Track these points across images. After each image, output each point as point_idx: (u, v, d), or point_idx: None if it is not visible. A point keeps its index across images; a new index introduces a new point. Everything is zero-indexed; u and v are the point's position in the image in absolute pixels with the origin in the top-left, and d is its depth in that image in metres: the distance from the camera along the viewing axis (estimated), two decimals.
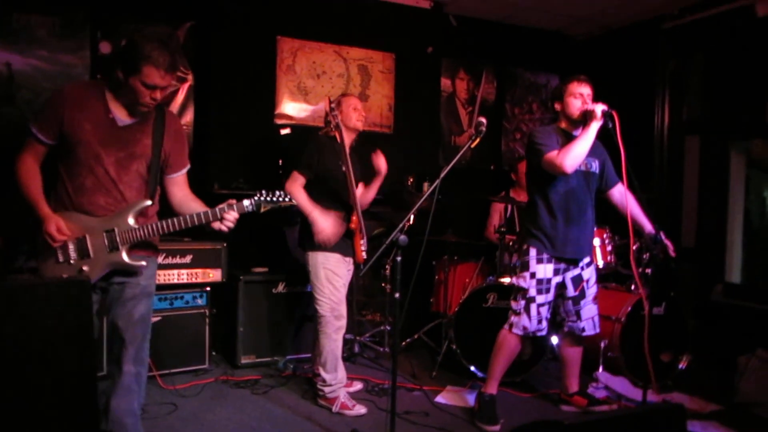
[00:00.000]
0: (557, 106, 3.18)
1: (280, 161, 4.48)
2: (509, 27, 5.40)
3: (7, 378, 1.53)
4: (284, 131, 4.62)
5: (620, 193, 3.27)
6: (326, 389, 3.28)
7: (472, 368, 3.77)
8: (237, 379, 3.68)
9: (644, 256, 3.93)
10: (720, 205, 4.56)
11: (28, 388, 1.57)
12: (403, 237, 2.56)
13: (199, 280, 3.77)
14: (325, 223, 3.16)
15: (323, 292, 3.25)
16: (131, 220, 2.37)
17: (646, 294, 3.75)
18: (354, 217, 3.24)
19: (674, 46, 4.85)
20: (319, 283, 3.25)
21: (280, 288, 3.98)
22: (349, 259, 3.34)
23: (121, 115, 2.38)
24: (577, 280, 3.20)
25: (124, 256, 2.36)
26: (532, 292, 3.13)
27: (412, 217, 3.77)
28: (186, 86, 4.37)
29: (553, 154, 2.96)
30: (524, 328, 3.15)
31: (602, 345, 3.74)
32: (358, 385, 3.63)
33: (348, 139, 3.31)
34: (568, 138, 3.08)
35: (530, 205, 3.22)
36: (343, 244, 3.28)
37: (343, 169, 3.17)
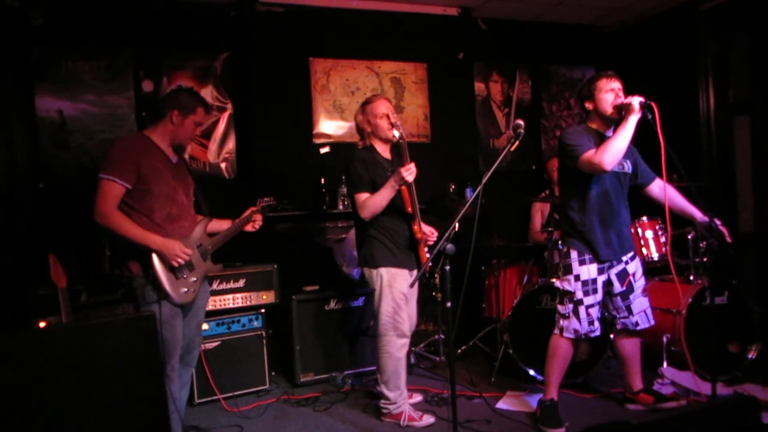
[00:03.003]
0: (588, 105, 3.09)
1: (322, 180, 4.55)
2: (540, 25, 5.36)
3: (85, 410, 1.60)
4: (323, 150, 4.70)
5: (659, 188, 3.18)
6: (390, 407, 3.26)
7: (531, 372, 3.72)
8: (298, 397, 3.73)
9: (701, 245, 3.82)
10: None
11: (104, 419, 1.64)
12: (450, 246, 2.55)
13: (254, 303, 3.86)
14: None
15: (388, 312, 3.19)
16: (206, 235, 2.94)
17: (706, 283, 3.65)
18: (416, 227, 3.18)
19: (715, 26, 4.71)
20: (384, 303, 3.19)
21: (332, 304, 4.03)
22: (414, 272, 3.27)
23: (170, 155, 2.86)
24: (623, 275, 3.13)
25: (210, 263, 2.95)
26: (579, 294, 3.08)
27: (457, 224, 3.77)
28: (226, 115, 4.51)
29: (590, 153, 2.89)
30: (575, 331, 3.10)
31: (665, 339, 3.63)
32: (418, 397, 3.62)
33: (385, 146, 3.30)
34: (600, 138, 3.01)
35: (564, 207, 3.17)
36: (408, 259, 3.23)
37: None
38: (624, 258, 3.13)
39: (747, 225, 4.56)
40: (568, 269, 3.12)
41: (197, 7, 4.40)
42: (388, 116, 3.24)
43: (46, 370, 1.55)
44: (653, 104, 2.83)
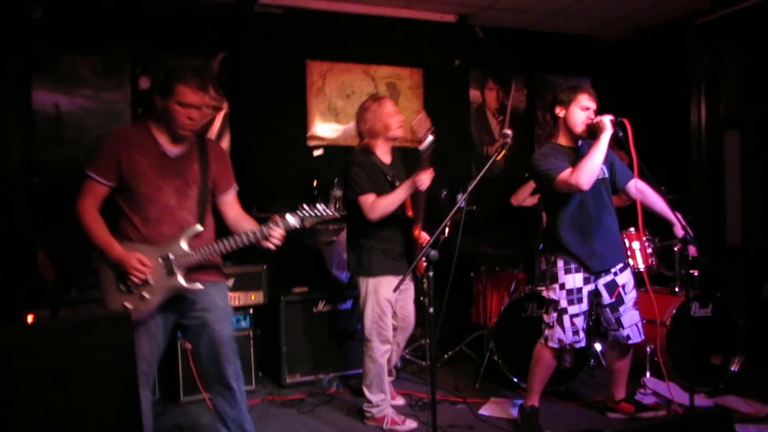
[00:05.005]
0: (559, 111, 3.06)
1: (315, 182, 4.58)
2: (537, 33, 5.39)
3: (55, 411, 1.60)
4: (317, 152, 4.73)
5: (636, 188, 3.17)
6: (373, 410, 3.29)
7: (516, 379, 3.74)
8: (283, 398, 3.74)
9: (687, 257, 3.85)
10: (765, 201, 4.42)
11: (75, 417, 1.64)
12: (433, 252, 2.58)
13: (242, 303, 3.87)
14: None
15: (372, 318, 3.22)
16: (184, 245, 2.47)
17: (690, 295, 3.68)
18: (415, 232, 3.20)
19: (707, 41, 4.76)
20: (369, 309, 3.22)
21: (321, 306, 4.05)
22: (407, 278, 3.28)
23: (169, 147, 2.54)
24: (612, 287, 3.13)
25: (181, 281, 2.46)
26: (563, 303, 3.09)
27: (446, 230, 3.79)
28: (221, 115, 4.53)
29: (565, 174, 2.90)
30: (559, 341, 3.11)
31: (648, 350, 3.67)
32: (401, 400, 3.65)
33: (388, 147, 3.30)
34: (572, 152, 3.02)
35: (549, 223, 3.21)
36: (400, 266, 3.20)
37: (397, 183, 3.15)
38: (613, 269, 3.14)
39: (734, 238, 4.60)
40: (554, 278, 3.14)
41: (195, 6, 4.43)
42: (396, 114, 3.27)
43: (15, 367, 1.55)
44: (625, 121, 2.87)
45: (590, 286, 3.11)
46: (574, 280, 3.08)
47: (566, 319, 3.09)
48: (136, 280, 2.41)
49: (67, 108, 4.12)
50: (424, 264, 2.96)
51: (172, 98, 2.43)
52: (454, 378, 4.02)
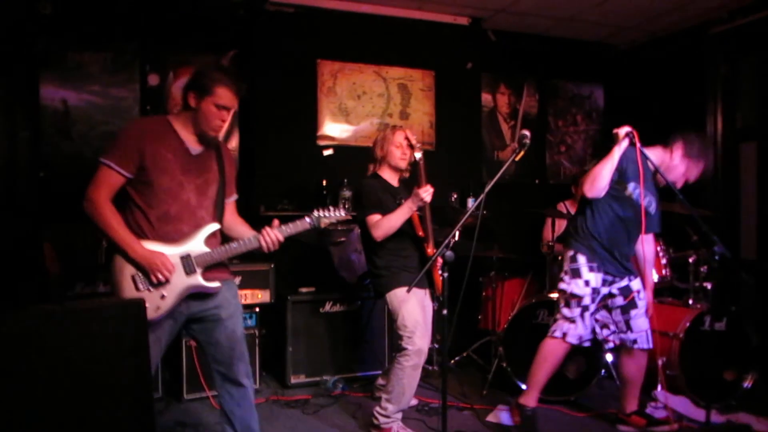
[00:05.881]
0: None
1: (324, 181, 4.53)
2: (550, 39, 5.34)
3: (68, 397, 1.57)
4: (327, 152, 4.68)
5: (641, 242, 3.21)
6: (382, 419, 3.17)
7: (524, 386, 3.67)
8: (287, 399, 3.70)
9: (701, 269, 3.80)
10: None
11: (87, 406, 1.61)
12: (449, 253, 2.54)
13: (248, 302, 3.81)
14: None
15: (406, 328, 3.12)
16: (203, 244, 2.44)
17: (705, 308, 3.62)
18: (429, 250, 3.18)
19: (724, 50, 4.70)
20: (401, 320, 3.13)
21: (328, 307, 4.00)
22: (424, 291, 3.29)
23: (192, 144, 2.47)
24: (626, 291, 3.15)
25: (200, 279, 2.42)
26: (587, 300, 3.07)
27: (457, 233, 3.74)
28: (231, 113, 4.47)
29: (584, 178, 3.07)
30: (580, 337, 3.09)
31: (660, 362, 3.59)
32: (413, 401, 3.56)
33: (395, 174, 3.31)
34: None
35: (581, 218, 3.17)
36: (414, 277, 3.06)
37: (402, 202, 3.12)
38: (626, 276, 3.15)
39: (749, 252, 4.53)
40: (577, 273, 3.10)
41: (206, 3, 4.39)
42: (403, 146, 3.24)
43: (29, 351, 1.51)
44: (635, 133, 2.93)
45: (606, 289, 3.11)
46: (596, 279, 3.08)
47: (587, 316, 3.09)
48: (161, 279, 2.34)
49: (74, 104, 4.08)
50: (441, 278, 2.88)
51: (210, 99, 2.39)
52: (461, 383, 3.97)
